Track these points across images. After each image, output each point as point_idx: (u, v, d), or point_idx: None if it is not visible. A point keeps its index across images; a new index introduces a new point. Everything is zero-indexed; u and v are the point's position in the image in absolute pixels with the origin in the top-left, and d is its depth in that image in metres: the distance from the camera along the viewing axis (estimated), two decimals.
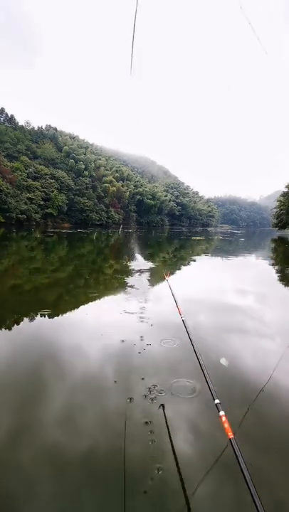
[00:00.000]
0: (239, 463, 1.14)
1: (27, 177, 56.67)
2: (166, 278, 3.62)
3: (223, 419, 1.25)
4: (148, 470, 1.65)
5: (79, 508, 1.47)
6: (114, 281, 7.88)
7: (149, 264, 10.12)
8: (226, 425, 1.22)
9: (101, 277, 8.63)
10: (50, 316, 4.56)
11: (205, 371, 1.48)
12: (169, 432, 1.95)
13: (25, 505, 1.51)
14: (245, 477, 1.11)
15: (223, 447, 1.75)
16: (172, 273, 9.03)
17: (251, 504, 1.05)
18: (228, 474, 1.65)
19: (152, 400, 2.27)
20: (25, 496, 1.56)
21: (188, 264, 12.23)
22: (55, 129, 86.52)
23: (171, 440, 1.87)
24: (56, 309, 5.01)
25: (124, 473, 1.61)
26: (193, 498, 1.52)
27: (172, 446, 1.82)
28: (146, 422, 2.02)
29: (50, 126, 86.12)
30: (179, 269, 10.62)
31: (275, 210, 58.70)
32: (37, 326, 4.19)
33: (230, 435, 1.20)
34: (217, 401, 1.32)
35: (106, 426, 2.03)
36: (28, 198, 53.86)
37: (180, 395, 2.36)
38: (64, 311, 4.95)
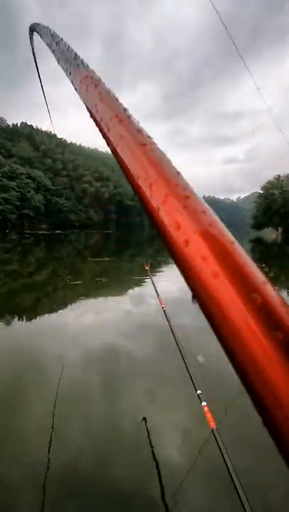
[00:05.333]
0: (221, 451, 1.16)
1: (2, 176, 54.76)
2: (146, 268, 3.59)
3: (206, 409, 1.26)
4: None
5: None
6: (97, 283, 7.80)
7: (130, 264, 10.11)
8: (208, 415, 1.24)
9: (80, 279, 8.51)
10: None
11: (186, 362, 1.49)
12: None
13: None
14: (227, 465, 1.12)
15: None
16: (153, 272, 9.04)
17: (234, 491, 1.06)
18: (211, 461, 1.67)
19: None
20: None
21: (169, 264, 12.32)
22: (32, 126, 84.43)
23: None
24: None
25: None
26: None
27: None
28: None
29: (26, 124, 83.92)
30: (160, 268, 10.69)
31: (252, 211, 60.78)
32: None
33: (213, 425, 1.22)
34: (199, 391, 1.33)
35: None
36: (3, 199, 52.06)
37: None
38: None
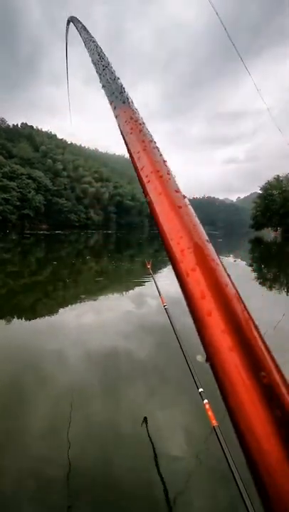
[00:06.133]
0: (223, 449, 1.16)
1: (2, 177, 54.75)
2: (148, 266, 3.60)
3: (207, 407, 1.27)
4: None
5: None
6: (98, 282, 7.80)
7: (130, 264, 10.11)
8: (210, 413, 1.24)
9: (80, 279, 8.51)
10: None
11: (188, 360, 1.49)
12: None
13: None
14: (228, 462, 1.13)
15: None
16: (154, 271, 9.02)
17: (235, 488, 1.07)
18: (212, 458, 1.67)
19: None
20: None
21: (168, 264, 12.29)
22: (32, 127, 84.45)
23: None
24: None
25: None
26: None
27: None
28: None
29: (26, 125, 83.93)
30: (160, 268, 10.69)
31: (252, 211, 60.78)
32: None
33: (214, 423, 1.22)
34: (201, 389, 1.34)
35: None
36: (3, 199, 52.08)
37: None
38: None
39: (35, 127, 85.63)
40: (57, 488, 1.56)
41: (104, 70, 0.65)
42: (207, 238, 0.28)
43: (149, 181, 0.34)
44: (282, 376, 0.20)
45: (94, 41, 0.87)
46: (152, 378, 2.73)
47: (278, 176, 55.17)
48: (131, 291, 6.44)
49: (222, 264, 0.26)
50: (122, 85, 0.56)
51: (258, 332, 0.22)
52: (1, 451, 1.81)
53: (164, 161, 0.37)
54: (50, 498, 1.52)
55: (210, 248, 0.27)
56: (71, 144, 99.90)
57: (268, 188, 54.69)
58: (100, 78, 0.63)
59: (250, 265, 13.19)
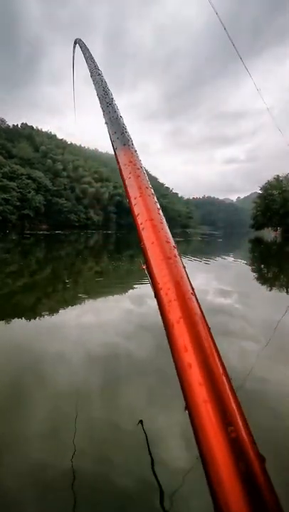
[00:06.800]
0: None
1: (2, 177, 54.74)
2: (143, 267, 3.61)
3: None
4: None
5: None
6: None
7: (130, 265, 10.11)
8: None
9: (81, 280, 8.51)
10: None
11: None
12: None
13: None
14: None
15: None
16: None
17: None
18: None
19: None
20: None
21: None
22: (32, 127, 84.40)
23: None
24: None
25: None
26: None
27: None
28: None
29: (26, 125, 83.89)
30: None
31: (252, 211, 60.81)
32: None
33: None
34: None
35: None
36: (3, 199, 52.08)
37: None
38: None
39: (35, 127, 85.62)
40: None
41: (108, 106, 0.64)
42: (192, 290, 0.29)
43: (143, 229, 0.35)
44: (248, 432, 0.22)
45: (100, 74, 0.87)
46: (151, 377, 2.72)
47: (278, 175, 55.19)
48: (130, 292, 6.44)
49: (204, 317, 0.27)
50: (124, 125, 0.56)
51: (230, 386, 0.22)
52: (2, 450, 1.80)
53: (158, 209, 0.38)
54: (52, 489, 1.51)
55: (194, 301, 0.28)
56: (71, 144, 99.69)
57: (268, 188, 54.72)
58: (104, 115, 0.63)
59: (251, 265, 13.16)
